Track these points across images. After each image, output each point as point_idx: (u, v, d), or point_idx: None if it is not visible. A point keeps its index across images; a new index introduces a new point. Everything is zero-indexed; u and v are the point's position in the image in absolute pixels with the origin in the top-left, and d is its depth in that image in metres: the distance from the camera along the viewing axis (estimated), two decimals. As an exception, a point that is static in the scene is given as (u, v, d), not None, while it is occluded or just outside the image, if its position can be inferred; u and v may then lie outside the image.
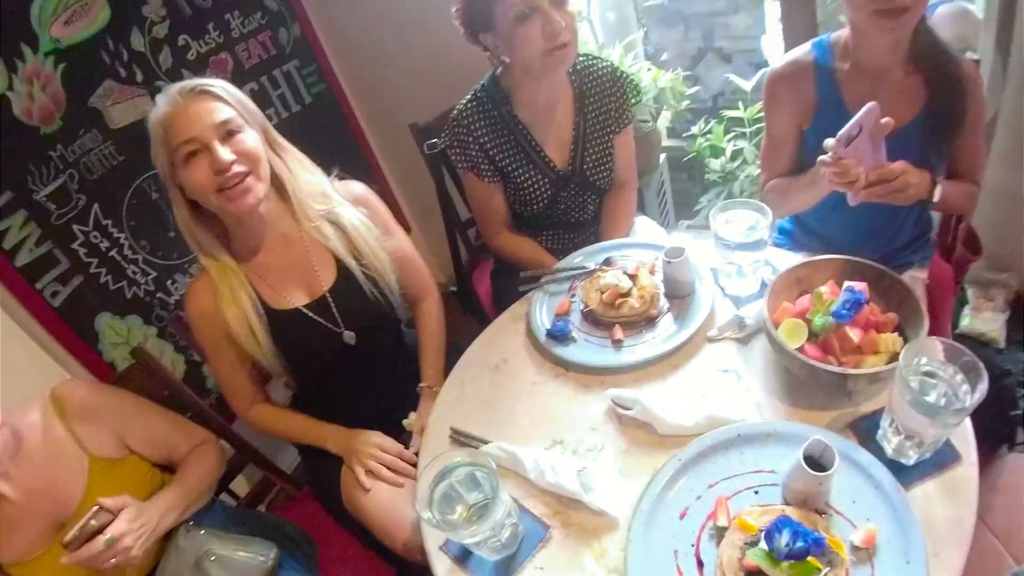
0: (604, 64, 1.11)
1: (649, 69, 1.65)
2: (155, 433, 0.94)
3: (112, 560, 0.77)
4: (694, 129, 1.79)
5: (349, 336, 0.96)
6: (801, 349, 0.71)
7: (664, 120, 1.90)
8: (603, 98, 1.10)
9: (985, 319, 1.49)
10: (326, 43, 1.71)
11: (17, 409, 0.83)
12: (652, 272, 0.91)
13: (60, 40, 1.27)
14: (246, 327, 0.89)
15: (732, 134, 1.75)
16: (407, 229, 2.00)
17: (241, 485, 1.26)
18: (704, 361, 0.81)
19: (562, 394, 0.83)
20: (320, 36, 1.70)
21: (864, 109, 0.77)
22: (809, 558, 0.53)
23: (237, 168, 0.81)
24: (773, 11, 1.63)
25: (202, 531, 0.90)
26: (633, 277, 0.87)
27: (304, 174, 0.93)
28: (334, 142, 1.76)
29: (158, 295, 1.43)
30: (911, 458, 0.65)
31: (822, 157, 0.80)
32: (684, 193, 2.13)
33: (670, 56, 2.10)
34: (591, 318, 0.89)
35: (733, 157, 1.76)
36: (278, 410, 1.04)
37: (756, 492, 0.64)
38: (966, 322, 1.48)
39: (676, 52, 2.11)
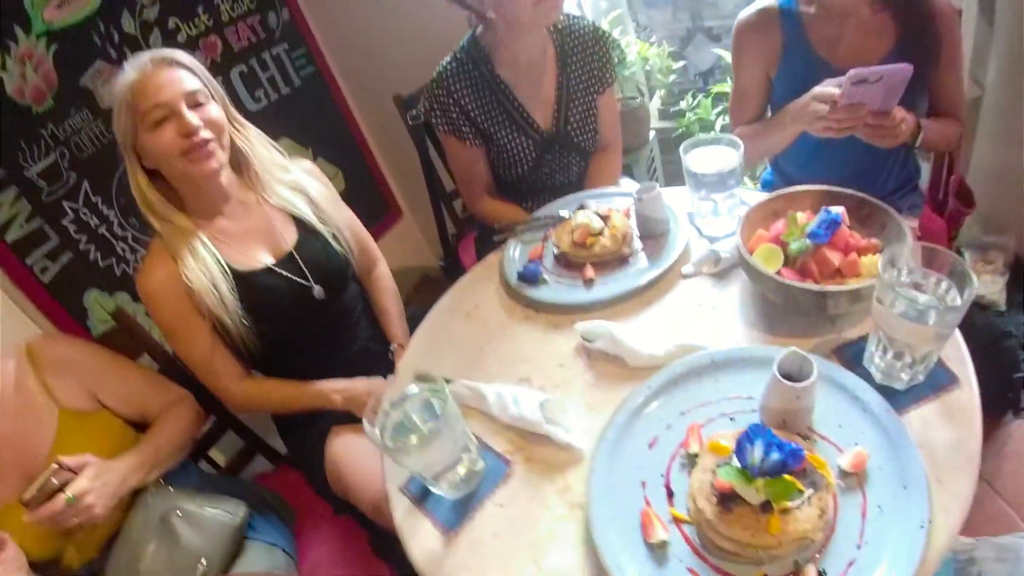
0: (586, 23, 1.06)
1: (629, 45, 1.60)
2: (128, 388, 0.89)
3: (74, 519, 0.73)
4: (682, 104, 1.73)
5: (319, 291, 0.91)
6: (777, 273, 0.64)
7: (655, 102, 1.85)
8: (586, 57, 1.05)
9: (984, 282, 1.39)
10: (315, 26, 1.69)
11: None
12: (627, 215, 0.85)
13: (52, 23, 1.26)
14: (209, 285, 0.83)
15: (720, 108, 1.68)
16: (398, 212, 1.98)
17: (222, 458, 1.20)
18: (679, 296, 0.74)
19: (531, 335, 0.76)
20: (309, 20, 1.68)
21: (897, 67, 0.72)
22: (787, 476, 0.46)
23: (204, 134, 0.80)
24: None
25: (171, 488, 0.85)
26: (605, 218, 0.81)
27: (263, 149, 0.93)
28: (324, 124, 1.73)
29: (147, 270, 1.40)
30: (903, 381, 0.58)
31: (820, 90, 0.75)
32: (676, 175, 2.07)
33: (659, 37, 2.05)
34: (563, 261, 0.83)
35: (723, 131, 1.69)
36: (267, 381, 0.96)
37: (732, 419, 0.57)
38: (964, 285, 1.38)
39: (665, 33, 2.05)
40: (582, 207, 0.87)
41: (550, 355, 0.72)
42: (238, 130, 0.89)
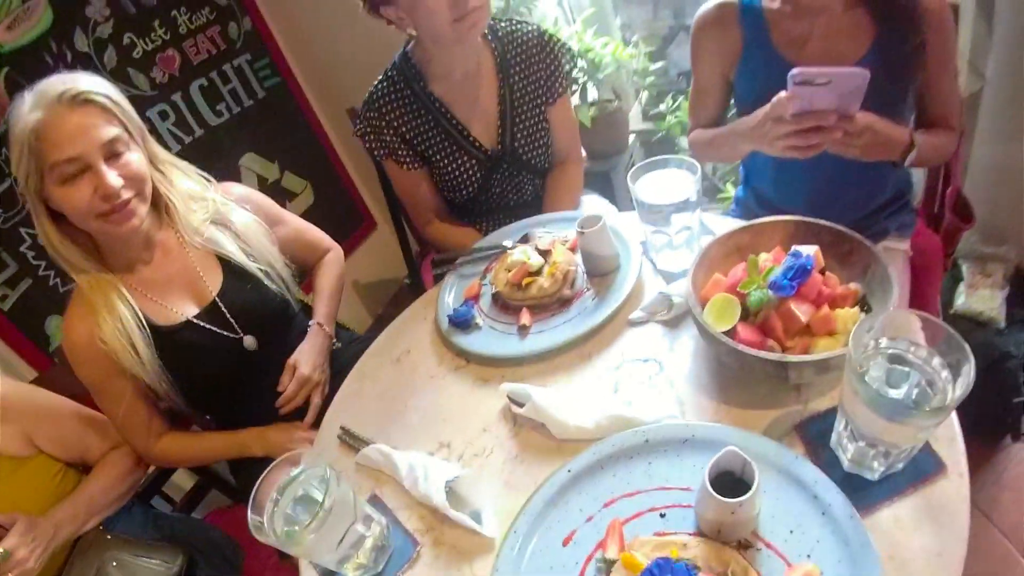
0: (529, 28, 0.92)
1: (607, 44, 1.45)
2: (66, 433, 0.82)
3: (9, 573, 0.68)
4: (662, 106, 1.57)
5: (250, 341, 0.81)
6: (733, 331, 0.51)
7: (638, 104, 1.69)
8: (530, 66, 0.91)
9: (982, 297, 1.24)
10: (279, 35, 1.56)
11: None
12: (573, 249, 0.72)
13: (3, 44, 1.16)
14: (126, 344, 0.74)
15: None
16: (372, 223, 1.86)
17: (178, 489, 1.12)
18: (624, 348, 0.61)
19: (458, 389, 0.65)
20: (272, 28, 1.55)
21: (850, 70, 0.57)
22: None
23: (125, 194, 0.68)
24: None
25: (109, 536, 0.79)
26: (546, 253, 0.68)
27: (183, 181, 0.80)
28: (290, 136, 1.61)
29: (107, 294, 1.31)
30: (875, 471, 0.45)
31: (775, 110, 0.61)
32: (656, 150, 1.91)
33: (641, 36, 1.88)
34: (500, 302, 0.71)
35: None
36: (187, 435, 0.87)
37: (663, 515, 0.46)
38: (961, 301, 1.23)
39: (647, 32, 1.88)
40: (525, 238, 0.75)
41: (475, 416, 0.61)
42: (158, 167, 0.77)
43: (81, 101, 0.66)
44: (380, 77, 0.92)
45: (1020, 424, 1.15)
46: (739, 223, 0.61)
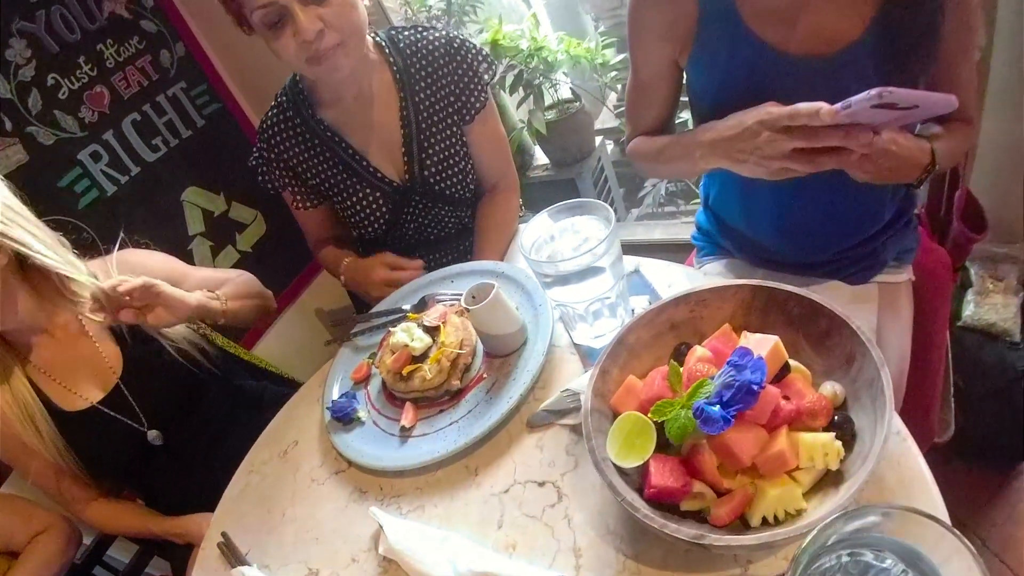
0: (435, 36, 0.72)
1: (561, 40, 1.22)
2: None
3: None
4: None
5: (154, 435, 0.70)
6: (644, 470, 0.33)
7: (605, 102, 1.47)
8: (437, 79, 0.71)
9: (994, 305, 1.01)
10: (216, 59, 1.38)
11: None
12: (458, 312, 0.54)
13: None
14: (31, 428, 0.66)
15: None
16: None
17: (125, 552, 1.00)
18: (515, 464, 0.44)
19: (335, 500, 0.50)
20: (209, 53, 1.37)
21: (947, 98, 0.40)
22: None
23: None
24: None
25: None
26: (435, 330, 0.51)
27: (53, 257, 0.65)
28: (235, 164, 1.44)
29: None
30: None
31: (776, 111, 0.42)
32: (633, 177, 1.69)
33: (608, 27, 1.64)
34: (387, 389, 0.54)
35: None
36: (114, 507, 0.78)
37: None
38: (970, 310, 1.00)
39: (614, 22, 1.64)
40: (422, 304, 0.57)
41: (346, 541, 0.46)
42: (26, 253, 0.62)
43: None
44: (271, 104, 0.75)
45: (1040, 450, 0.94)
46: (679, 287, 0.42)
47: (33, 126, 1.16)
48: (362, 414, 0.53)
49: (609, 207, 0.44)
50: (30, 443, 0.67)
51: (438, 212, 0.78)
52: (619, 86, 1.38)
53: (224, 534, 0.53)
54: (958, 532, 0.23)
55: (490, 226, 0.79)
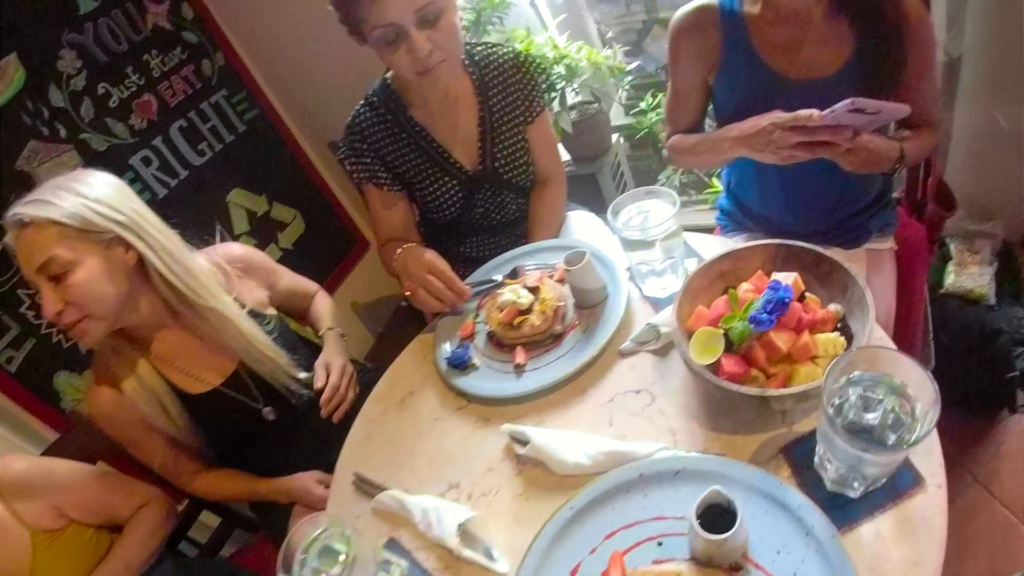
0: (505, 51, 0.94)
1: (580, 49, 1.45)
2: (92, 499, 0.87)
3: None
4: (642, 104, 1.59)
5: (268, 411, 0.88)
6: (716, 365, 0.55)
7: (620, 95, 1.71)
8: (507, 88, 0.93)
9: (971, 274, 1.27)
10: (253, 67, 1.57)
11: None
12: (561, 280, 0.75)
13: None
14: (160, 410, 0.82)
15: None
16: (364, 243, 1.88)
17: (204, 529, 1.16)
18: (615, 381, 0.65)
19: (461, 430, 0.68)
20: (247, 62, 1.56)
21: (902, 107, 0.62)
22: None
23: (67, 318, 0.72)
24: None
25: None
26: (535, 290, 0.71)
27: (184, 271, 0.81)
28: (275, 167, 1.63)
29: (111, 345, 1.34)
30: (856, 490, 0.49)
31: (783, 116, 0.64)
32: (647, 171, 1.93)
33: (615, 33, 1.88)
34: (494, 339, 0.74)
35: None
36: (219, 476, 0.93)
37: (660, 544, 0.50)
38: (950, 279, 1.26)
39: (621, 28, 1.88)
40: (514, 272, 0.77)
41: (479, 457, 0.64)
42: (158, 255, 0.78)
43: (21, 225, 0.72)
44: (361, 103, 0.95)
45: (1015, 398, 1.19)
46: (720, 248, 0.64)
47: (86, 133, 1.33)
48: (476, 360, 0.73)
49: (674, 192, 0.66)
50: (157, 424, 0.82)
51: (502, 199, 1.00)
52: (633, 89, 1.62)
53: (356, 473, 0.70)
54: (906, 354, 0.44)
55: (543, 213, 1.01)
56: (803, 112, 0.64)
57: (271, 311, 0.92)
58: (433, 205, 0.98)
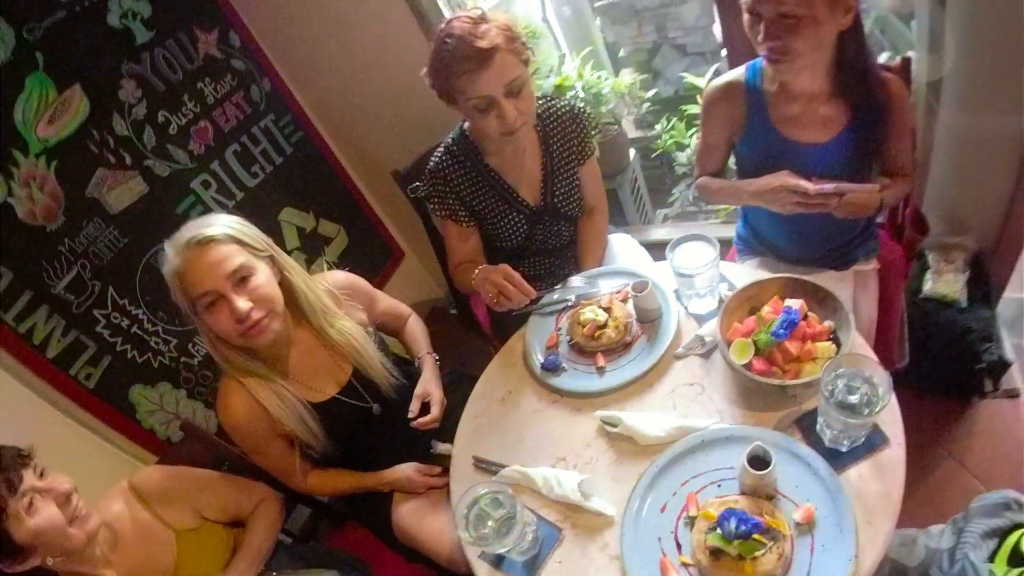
0: (563, 104, 1.28)
1: (607, 78, 1.80)
2: (222, 500, 1.16)
3: None
4: (658, 127, 1.95)
5: (376, 408, 1.19)
6: (749, 364, 0.90)
7: (632, 118, 2.06)
8: (565, 136, 1.28)
9: (947, 281, 1.67)
10: (297, 92, 1.85)
11: (101, 504, 1.02)
12: (625, 299, 1.09)
13: (48, 139, 1.41)
14: (299, 421, 1.09)
15: (694, 128, 1.91)
16: (400, 254, 2.19)
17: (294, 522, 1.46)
18: (673, 378, 1.00)
19: (559, 418, 1.03)
20: (291, 87, 1.84)
21: (870, 187, 1.03)
22: (754, 536, 0.73)
23: (255, 314, 0.96)
24: None
25: (274, 573, 1.14)
26: (608, 309, 1.06)
27: (313, 289, 1.10)
28: (320, 185, 1.93)
29: (182, 359, 1.62)
30: (845, 445, 0.85)
31: (791, 182, 1.03)
32: (659, 180, 2.30)
33: (626, 52, 2.25)
34: (577, 348, 1.09)
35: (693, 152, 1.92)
36: (328, 474, 1.22)
37: (719, 486, 0.85)
38: (928, 286, 1.66)
39: (632, 48, 2.25)
40: (585, 296, 1.12)
41: (577, 437, 0.99)
42: (289, 276, 1.07)
43: (205, 243, 0.94)
44: (441, 151, 1.27)
45: (983, 386, 1.59)
46: (747, 279, 0.99)
47: (150, 160, 1.60)
48: (564, 365, 1.07)
49: (714, 239, 1.01)
50: (291, 432, 1.08)
51: (558, 228, 1.35)
52: (648, 112, 1.98)
53: (475, 457, 1.02)
54: (873, 356, 0.81)
55: (592, 239, 1.37)
56: (802, 185, 1.00)
57: (371, 329, 1.23)
58: (502, 235, 1.32)
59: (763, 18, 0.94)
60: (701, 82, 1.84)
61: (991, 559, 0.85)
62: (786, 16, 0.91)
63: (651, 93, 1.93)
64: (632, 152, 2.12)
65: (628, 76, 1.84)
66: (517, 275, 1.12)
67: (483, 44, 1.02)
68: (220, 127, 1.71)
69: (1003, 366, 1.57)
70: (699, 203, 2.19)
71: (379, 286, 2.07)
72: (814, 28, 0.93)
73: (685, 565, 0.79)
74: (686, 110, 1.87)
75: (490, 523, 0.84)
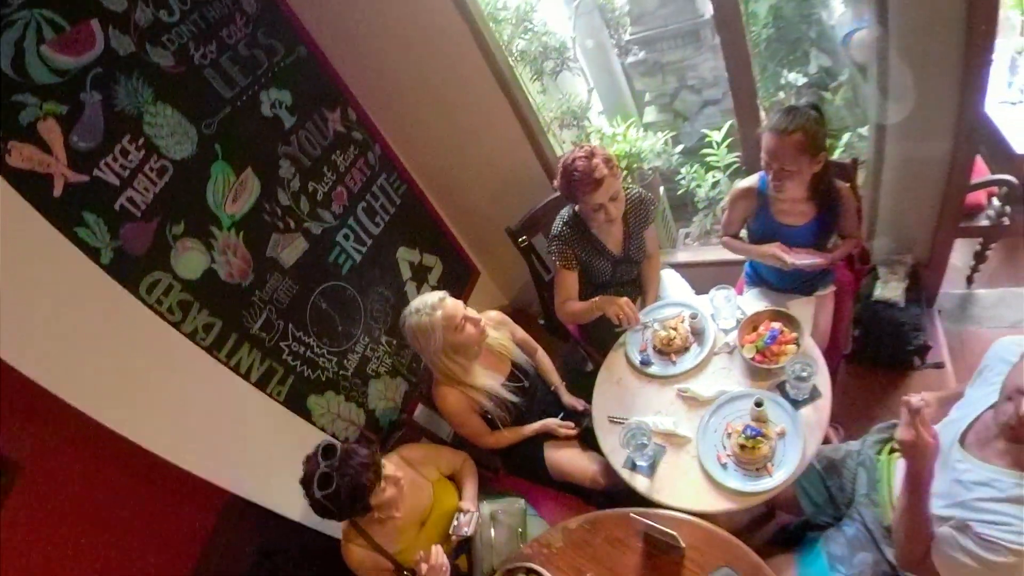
0: (634, 192, 2.79)
1: (646, 139, 3.24)
2: (447, 462, 2.68)
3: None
4: (682, 172, 3.42)
5: (526, 384, 2.61)
6: (754, 358, 2.39)
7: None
8: (637, 213, 2.79)
9: (892, 288, 3.28)
10: (399, 154, 3.17)
11: (388, 466, 2.38)
12: (683, 321, 2.56)
13: (234, 215, 2.69)
14: (497, 402, 2.57)
15: (713, 170, 3.39)
16: (476, 272, 3.59)
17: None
18: (715, 365, 2.51)
19: (652, 391, 2.55)
20: (395, 150, 3.15)
21: (818, 263, 2.57)
22: (758, 436, 2.21)
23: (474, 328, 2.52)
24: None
25: (485, 500, 2.61)
26: (675, 328, 2.52)
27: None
28: (421, 226, 3.30)
29: (340, 372, 2.94)
30: (801, 396, 2.35)
31: (779, 253, 2.52)
32: (679, 199, 3.79)
33: (652, 96, 3.70)
34: (657, 350, 2.56)
35: (713, 187, 3.41)
36: (502, 432, 2.72)
37: (740, 418, 2.34)
38: (878, 291, 3.26)
39: (656, 93, 3.70)
40: (659, 321, 2.58)
41: (664, 399, 2.53)
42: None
43: (443, 310, 2.44)
44: (560, 224, 2.80)
45: (914, 362, 3.19)
46: (751, 310, 2.48)
47: (307, 222, 2.91)
48: (652, 360, 2.60)
49: (733, 290, 2.51)
50: (483, 409, 2.61)
51: (630, 268, 2.93)
52: (675, 163, 3.45)
53: (609, 415, 2.52)
54: (818, 353, 2.33)
55: (652, 277, 2.98)
56: (782, 257, 2.52)
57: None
58: (594, 275, 2.79)
59: (772, 168, 2.40)
60: (717, 136, 3.30)
61: (879, 453, 2.38)
62: (784, 169, 2.38)
63: (679, 149, 3.39)
64: (664, 191, 3.56)
65: (660, 135, 3.26)
66: (631, 304, 2.61)
67: (597, 176, 2.49)
68: (351, 189, 2.99)
69: (927, 348, 3.16)
70: (714, 227, 3.69)
71: (466, 299, 3.45)
72: (800, 174, 2.43)
73: (728, 456, 2.27)
74: (708, 160, 3.32)
75: (633, 444, 2.28)
